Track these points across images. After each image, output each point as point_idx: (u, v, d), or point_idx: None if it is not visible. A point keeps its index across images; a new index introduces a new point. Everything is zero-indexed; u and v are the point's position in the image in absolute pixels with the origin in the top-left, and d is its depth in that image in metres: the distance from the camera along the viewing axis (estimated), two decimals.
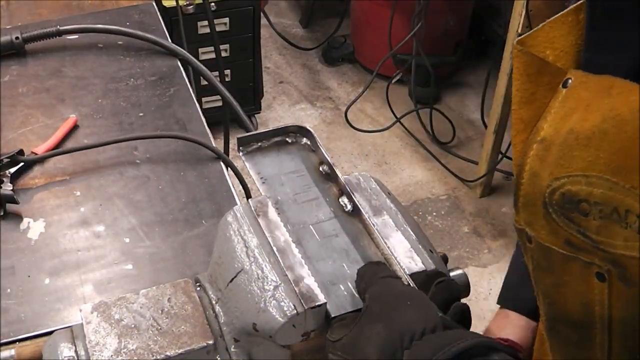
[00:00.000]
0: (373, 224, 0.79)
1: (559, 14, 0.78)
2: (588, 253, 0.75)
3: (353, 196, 0.82)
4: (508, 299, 1.15)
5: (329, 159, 0.85)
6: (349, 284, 0.75)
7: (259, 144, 0.88)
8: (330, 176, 0.86)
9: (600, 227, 0.72)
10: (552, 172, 0.74)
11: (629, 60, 0.73)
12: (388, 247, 0.77)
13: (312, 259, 0.76)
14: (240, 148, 0.87)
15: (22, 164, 1.20)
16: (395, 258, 0.76)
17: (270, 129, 0.88)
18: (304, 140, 0.89)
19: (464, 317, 0.73)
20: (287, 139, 0.89)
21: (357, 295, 0.74)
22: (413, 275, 0.75)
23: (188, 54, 1.46)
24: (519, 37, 0.78)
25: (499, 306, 1.17)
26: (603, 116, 0.70)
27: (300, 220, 0.81)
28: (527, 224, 0.81)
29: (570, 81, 0.75)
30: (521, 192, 0.79)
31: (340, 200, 0.84)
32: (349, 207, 0.83)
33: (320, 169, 0.87)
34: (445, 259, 0.87)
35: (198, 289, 0.79)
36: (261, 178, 0.85)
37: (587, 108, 0.72)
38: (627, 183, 0.69)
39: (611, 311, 0.77)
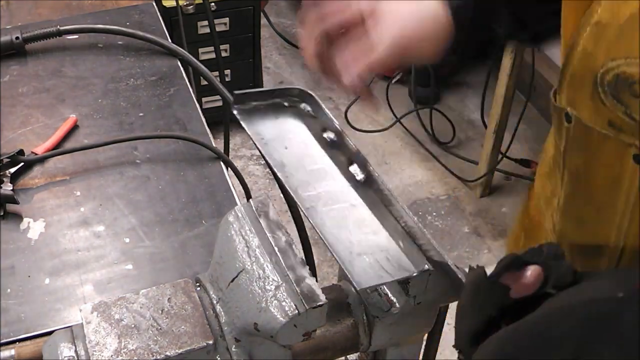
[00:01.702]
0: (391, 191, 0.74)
1: None
2: (629, 135, 0.76)
3: (368, 163, 0.76)
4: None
5: (336, 124, 0.79)
6: (374, 255, 0.71)
7: (256, 104, 0.81)
8: (335, 144, 0.81)
9: None
10: (608, 53, 0.75)
11: None
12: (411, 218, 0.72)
13: (331, 228, 0.71)
14: (236, 106, 0.81)
15: (22, 164, 1.20)
16: (420, 229, 0.71)
17: (270, 88, 0.82)
18: (304, 104, 0.83)
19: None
20: (284, 103, 0.83)
21: (384, 267, 0.69)
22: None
23: (188, 54, 1.46)
24: None
25: None
26: None
27: (311, 187, 0.76)
28: (569, 102, 0.81)
29: None
30: (569, 71, 0.79)
31: (350, 169, 0.79)
32: (361, 176, 0.79)
33: (325, 136, 0.82)
34: None
35: (198, 289, 0.79)
36: (262, 139, 0.79)
37: None
38: None
39: (638, 194, 0.77)
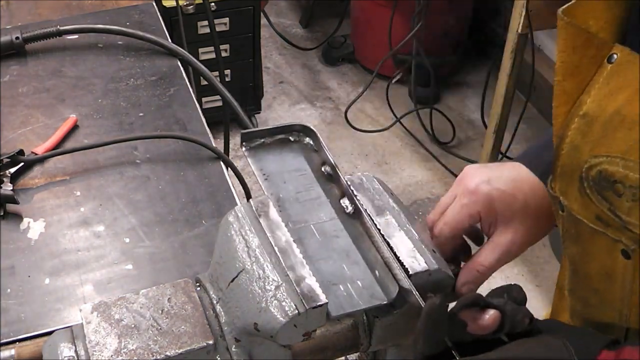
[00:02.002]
0: (376, 224, 0.79)
1: None
2: (616, 230, 0.76)
3: (355, 198, 0.81)
4: (525, 156, 1.02)
5: (332, 160, 0.84)
6: (349, 284, 0.75)
7: (262, 140, 0.87)
8: (332, 177, 0.86)
9: (631, 209, 0.73)
10: (592, 149, 0.75)
11: None
12: (390, 249, 0.77)
13: (313, 259, 0.76)
14: (244, 143, 0.86)
15: (22, 164, 1.20)
16: (398, 259, 0.76)
17: (275, 126, 0.88)
18: (307, 139, 0.89)
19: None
20: (290, 138, 0.89)
21: (355, 296, 0.74)
22: (416, 275, 0.75)
23: (188, 54, 1.46)
24: (564, 7, 0.77)
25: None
26: None
27: (301, 218, 0.81)
28: (561, 192, 0.81)
29: (615, 56, 0.75)
30: (559, 162, 0.80)
31: (341, 201, 0.84)
32: (350, 208, 0.83)
33: (323, 169, 0.86)
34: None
35: (198, 289, 0.79)
36: (263, 174, 0.84)
37: (636, 92, 0.72)
38: None
39: (632, 285, 0.78)
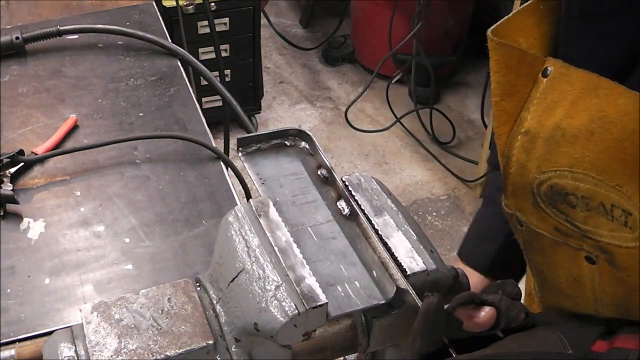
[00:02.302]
0: (374, 224, 0.79)
1: (530, 2, 0.79)
2: (576, 239, 0.77)
3: (351, 199, 0.82)
4: (468, 255, 1.15)
5: (327, 163, 0.85)
6: (346, 285, 0.75)
7: (259, 145, 0.88)
8: (328, 180, 0.86)
9: (587, 217, 0.74)
10: (539, 166, 0.76)
11: (603, 53, 0.74)
12: (388, 249, 0.77)
13: (310, 260, 0.76)
14: (240, 149, 0.88)
15: (22, 164, 1.20)
16: (396, 259, 0.76)
17: (270, 130, 0.88)
18: (303, 143, 0.89)
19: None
20: (286, 142, 0.89)
21: (353, 297, 0.74)
22: (414, 275, 0.75)
23: (188, 54, 1.46)
24: (492, 27, 0.77)
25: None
26: (590, 116, 0.71)
27: (298, 221, 0.81)
28: (517, 209, 0.82)
29: (549, 70, 0.75)
30: (509, 182, 0.81)
31: (338, 204, 0.84)
32: (347, 210, 0.83)
33: (319, 172, 0.87)
34: None
35: (198, 289, 0.79)
36: (260, 179, 0.85)
37: (572, 105, 0.72)
38: (612, 181, 0.70)
39: (602, 286, 0.79)
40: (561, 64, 0.75)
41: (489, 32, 0.77)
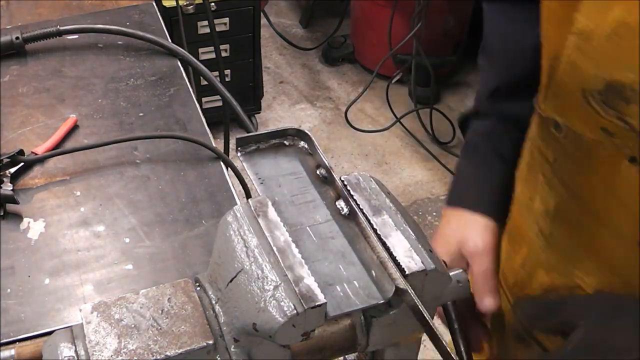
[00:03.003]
0: (373, 223, 0.79)
1: None
2: (621, 138, 0.76)
3: (350, 199, 0.82)
4: (466, 199, 1.08)
5: (326, 162, 0.85)
6: (345, 285, 0.75)
7: (257, 145, 0.88)
8: (327, 180, 0.86)
9: None
10: (597, 63, 0.75)
11: None
12: (386, 248, 0.77)
13: (309, 260, 0.76)
14: (239, 149, 0.88)
15: (22, 164, 1.20)
16: (395, 259, 0.76)
17: (269, 130, 0.89)
18: (302, 143, 0.89)
19: None
20: (285, 142, 0.89)
21: (352, 296, 0.74)
22: (413, 275, 0.75)
23: (188, 54, 1.46)
24: None
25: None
26: None
27: (297, 221, 0.81)
28: (557, 113, 0.81)
29: None
30: (555, 83, 0.79)
31: (337, 203, 0.84)
32: (345, 210, 0.83)
33: (318, 172, 0.87)
34: None
35: (198, 289, 0.79)
36: (259, 179, 0.85)
37: (632, 1, 0.70)
38: None
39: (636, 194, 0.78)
40: None
41: None
